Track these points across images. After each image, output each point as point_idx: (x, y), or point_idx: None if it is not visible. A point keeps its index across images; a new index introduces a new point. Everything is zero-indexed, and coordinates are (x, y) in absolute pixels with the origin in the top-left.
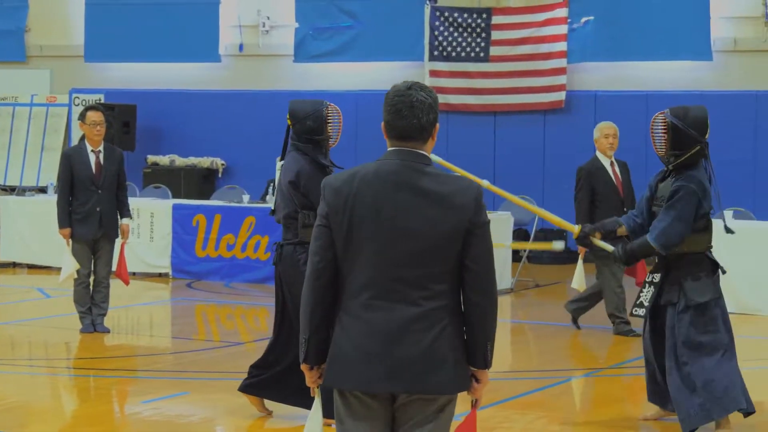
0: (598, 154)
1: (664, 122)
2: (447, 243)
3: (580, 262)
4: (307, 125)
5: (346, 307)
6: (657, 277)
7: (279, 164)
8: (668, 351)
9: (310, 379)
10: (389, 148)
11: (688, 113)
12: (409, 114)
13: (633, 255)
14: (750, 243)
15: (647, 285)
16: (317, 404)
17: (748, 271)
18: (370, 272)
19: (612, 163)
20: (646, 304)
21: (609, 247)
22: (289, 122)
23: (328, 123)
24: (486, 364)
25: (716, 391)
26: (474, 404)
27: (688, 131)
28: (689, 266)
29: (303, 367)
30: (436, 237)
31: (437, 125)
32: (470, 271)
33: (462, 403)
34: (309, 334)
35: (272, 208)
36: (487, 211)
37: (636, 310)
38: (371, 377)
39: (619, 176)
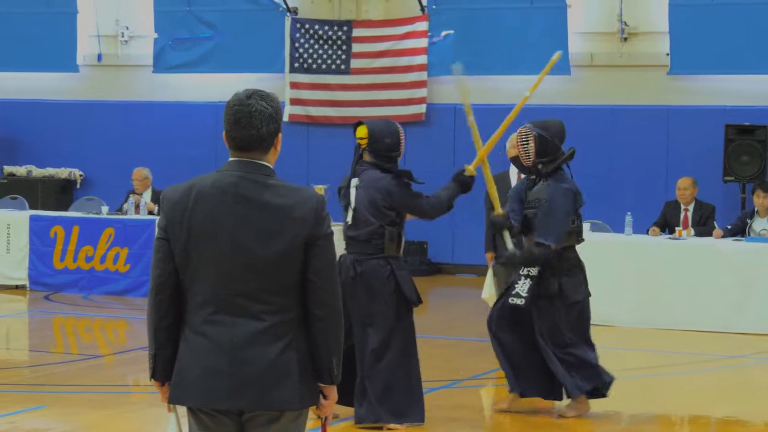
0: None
1: (530, 134)
2: (287, 256)
3: (489, 272)
4: (386, 143)
5: (189, 322)
6: (534, 270)
7: (354, 182)
8: (545, 338)
9: (162, 395)
10: (229, 159)
11: (549, 125)
12: (249, 124)
13: (532, 259)
14: (606, 255)
15: (523, 278)
16: (173, 420)
17: (604, 282)
18: (211, 287)
19: (519, 173)
20: (523, 294)
21: (510, 245)
22: (362, 142)
23: (401, 140)
24: (332, 379)
25: (594, 366)
26: (324, 421)
27: (553, 140)
28: (563, 262)
29: (152, 382)
30: (274, 250)
31: (280, 135)
32: (311, 284)
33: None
34: (155, 350)
35: (348, 222)
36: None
37: (513, 300)
38: (214, 394)
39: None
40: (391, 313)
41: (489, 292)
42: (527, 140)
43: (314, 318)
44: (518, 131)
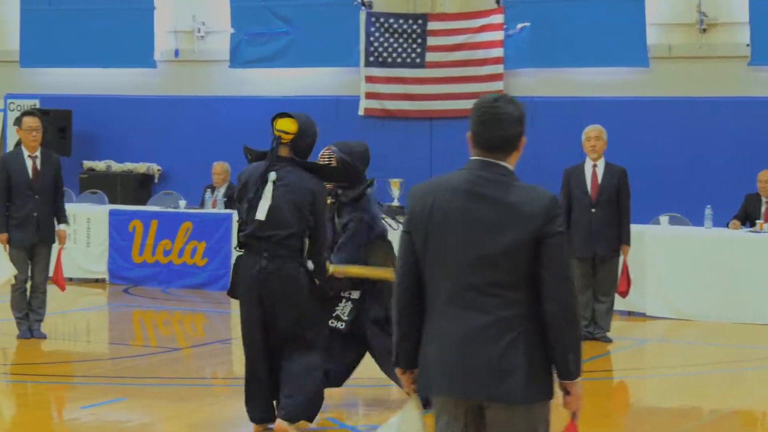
0: (587, 157)
1: (333, 156)
2: (515, 251)
3: None
4: (308, 142)
5: (429, 313)
6: (356, 294)
7: (272, 176)
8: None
9: (405, 382)
10: (471, 158)
11: (353, 149)
12: (496, 126)
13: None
14: (685, 249)
15: (344, 300)
16: (413, 405)
17: (683, 277)
18: (445, 280)
19: (595, 166)
20: (344, 318)
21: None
22: (286, 136)
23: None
24: (569, 375)
25: None
26: (572, 417)
27: (355, 165)
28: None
29: (396, 370)
30: (503, 244)
31: (523, 138)
32: (543, 281)
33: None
34: (398, 338)
35: (261, 218)
36: None
37: (333, 323)
38: (448, 384)
39: (599, 179)
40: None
41: None
42: (329, 163)
43: (547, 314)
44: (321, 152)
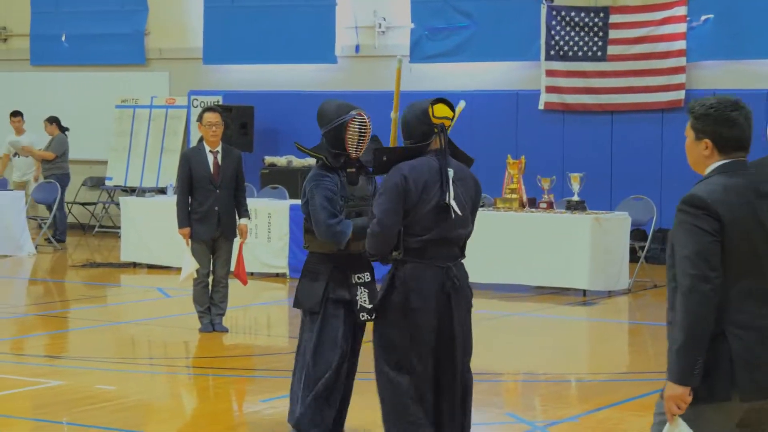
0: None
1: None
2: None
3: None
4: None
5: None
6: (367, 276)
7: (451, 172)
8: None
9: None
10: (733, 160)
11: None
12: (750, 126)
13: None
14: None
15: (359, 288)
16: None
17: None
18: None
19: None
20: (368, 306)
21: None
22: (448, 122)
23: None
24: None
25: None
26: None
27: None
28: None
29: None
30: None
31: None
32: None
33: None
34: (697, 353)
35: (460, 213)
36: (604, 212)
37: (365, 317)
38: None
39: None
40: None
41: None
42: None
43: None
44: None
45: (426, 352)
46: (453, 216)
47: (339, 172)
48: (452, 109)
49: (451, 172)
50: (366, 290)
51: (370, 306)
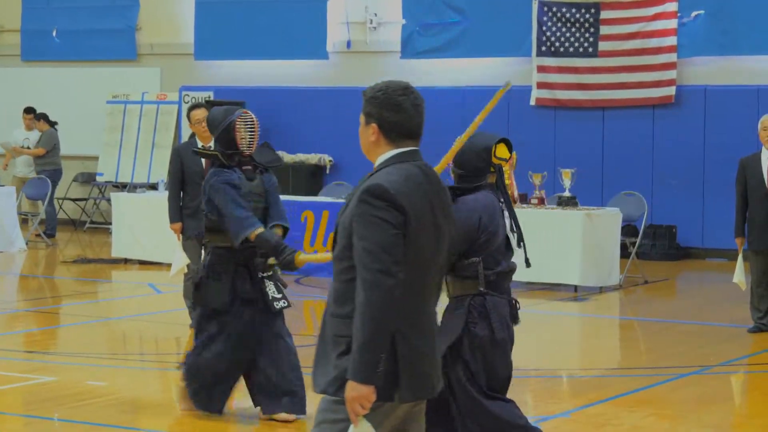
0: (764, 147)
1: None
2: None
3: (740, 257)
4: None
5: None
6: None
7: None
8: None
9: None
10: (402, 150)
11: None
12: (420, 113)
13: None
14: None
15: (265, 281)
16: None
17: None
18: None
19: None
20: (279, 296)
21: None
22: (505, 164)
23: None
24: None
25: None
26: None
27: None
28: None
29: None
30: None
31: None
32: None
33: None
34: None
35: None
36: (595, 208)
37: (279, 304)
38: None
39: None
40: None
41: (739, 277)
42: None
43: None
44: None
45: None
46: (515, 247)
47: (235, 170)
48: (512, 150)
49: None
50: (271, 282)
51: (280, 295)
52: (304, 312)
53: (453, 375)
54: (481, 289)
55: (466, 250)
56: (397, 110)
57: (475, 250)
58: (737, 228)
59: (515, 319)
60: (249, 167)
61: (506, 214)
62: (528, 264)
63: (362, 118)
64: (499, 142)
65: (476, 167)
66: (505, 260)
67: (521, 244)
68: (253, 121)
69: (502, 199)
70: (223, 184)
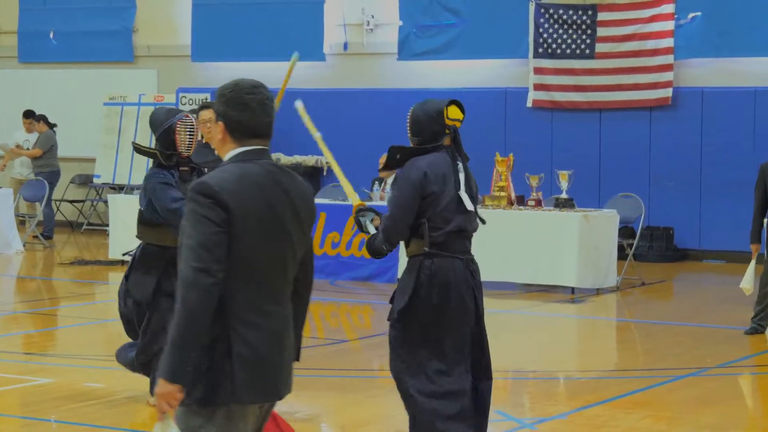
0: None
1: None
2: None
3: (752, 263)
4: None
5: None
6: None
7: (461, 168)
8: None
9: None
10: (245, 149)
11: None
12: (267, 113)
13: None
14: None
15: None
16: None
17: None
18: None
19: None
20: None
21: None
22: (459, 124)
23: None
24: None
25: None
26: None
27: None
28: None
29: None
30: None
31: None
32: None
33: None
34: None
35: (471, 209)
36: (592, 209)
37: None
38: None
39: None
40: None
41: (748, 282)
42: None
43: None
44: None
45: (464, 349)
46: (467, 207)
47: (173, 171)
48: (464, 111)
49: (461, 166)
50: None
51: None
52: None
53: (391, 333)
54: (426, 249)
55: (418, 210)
56: (242, 109)
57: (423, 209)
58: (753, 234)
59: (473, 278)
60: (186, 168)
61: (462, 177)
62: (482, 221)
63: (213, 115)
64: (450, 104)
65: (433, 131)
66: (456, 221)
67: (474, 205)
68: (193, 125)
69: (459, 161)
70: (160, 185)
